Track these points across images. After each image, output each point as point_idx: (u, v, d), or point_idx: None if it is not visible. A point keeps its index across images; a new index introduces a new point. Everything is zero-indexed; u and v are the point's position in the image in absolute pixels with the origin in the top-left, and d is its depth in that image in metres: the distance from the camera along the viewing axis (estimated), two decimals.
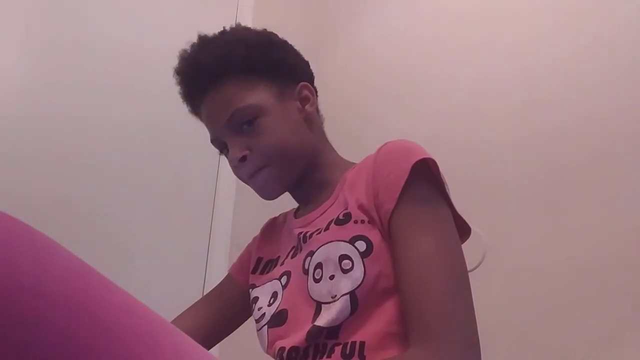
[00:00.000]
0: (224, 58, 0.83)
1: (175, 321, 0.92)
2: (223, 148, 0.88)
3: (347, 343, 0.68)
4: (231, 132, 0.83)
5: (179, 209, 1.70)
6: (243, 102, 0.82)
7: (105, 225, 1.52)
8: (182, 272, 1.66)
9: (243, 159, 0.82)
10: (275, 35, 0.91)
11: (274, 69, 0.86)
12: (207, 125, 0.88)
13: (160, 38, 1.76)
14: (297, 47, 0.93)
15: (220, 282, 1.00)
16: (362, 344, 0.67)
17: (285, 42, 0.91)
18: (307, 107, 0.88)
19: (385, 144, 0.77)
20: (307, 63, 0.94)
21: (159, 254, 1.62)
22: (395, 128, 1.84)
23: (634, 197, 1.33)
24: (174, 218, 1.68)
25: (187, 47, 0.89)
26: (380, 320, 0.68)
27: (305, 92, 0.89)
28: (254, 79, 0.84)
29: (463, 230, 0.76)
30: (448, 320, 0.62)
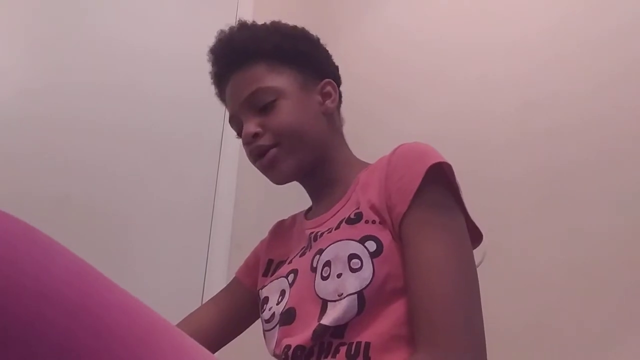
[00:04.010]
0: (258, 41, 0.88)
1: (181, 324, 0.91)
2: (240, 128, 0.88)
3: (353, 343, 0.67)
4: (249, 110, 0.85)
5: (179, 209, 1.70)
6: (266, 83, 0.84)
7: (105, 225, 1.52)
8: (182, 272, 1.66)
9: (255, 135, 0.83)
10: (311, 34, 0.95)
11: (302, 60, 0.89)
12: (228, 104, 0.90)
13: (161, 38, 1.76)
14: None
15: (226, 286, 1.00)
16: (368, 344, 0.67)
17: (319, 40, 0.95)
18: (327, 102, 0.90)
19: (401, 145, 0.77)
20: (336, 67, 0.97)
21: (159, 254, 1.62)
22: (396, 126, 1.84)
23: (634, 197, 1.33)
24: (174, 218, 1.68)
25: (225, 28, 0.92)
26: (387, 322, 0.68)
27: (328, 88, 0.91)
28: (282, 65, 0.87)
29: (474, 236, 0.75)
30: (456, 328, 0.62)
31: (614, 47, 1.47)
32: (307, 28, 0.95)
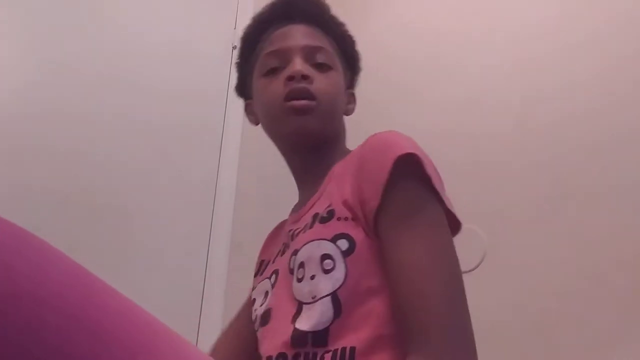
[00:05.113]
0: (334, 20, 0.94)
1: (213, 353, 0.89)
2: (280, 62, 0.85)
3: (337, 350, 0.65)
4: (306, 57, 0.85)
5: (179, 209, 1.70)
6: (331, 52, 0.89)
7: (105, 225, 1.52)
8: (182, 272, 1.66)
9: (306, 76, 0.82)
10: None
11: (350, 63, 0.95)
12: (281, 39, 0.88)
13: (161, 33, 1.76)
14: None
15: (243, 306, 0.96)
16: (353, 349, 0.64)
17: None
18: (349, 106, 0.94)
19: (372, 135, 0.74)
20: None
21: (158, 254, 1.62)
22: (404, 121, 1.83)
23: (634, 197, 1.33)
24: (174, 218, 1.68)
25: None
26: (369, 323, 0.66)
27: (352, 98, 0.96)
28: (338, 56, 0.91)
29: (453, 225, 0.72)
30: (447, 328, 0.61)
31: (616, 45, 1.47)
32: None
